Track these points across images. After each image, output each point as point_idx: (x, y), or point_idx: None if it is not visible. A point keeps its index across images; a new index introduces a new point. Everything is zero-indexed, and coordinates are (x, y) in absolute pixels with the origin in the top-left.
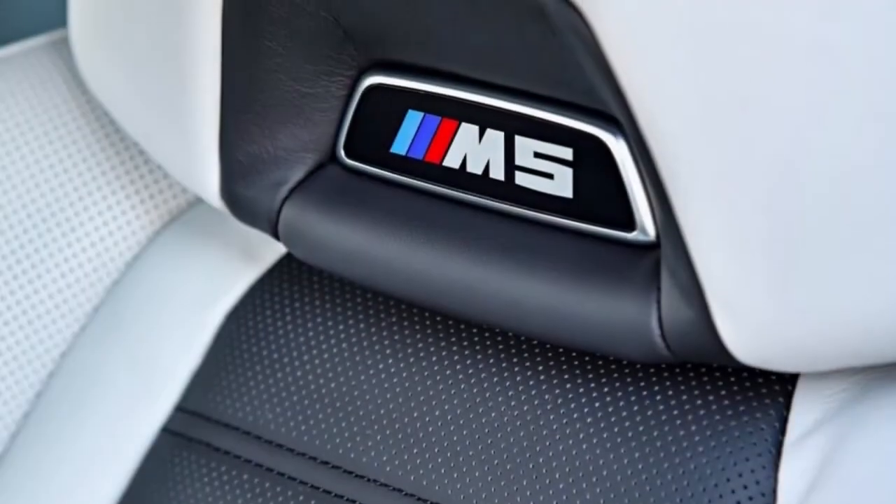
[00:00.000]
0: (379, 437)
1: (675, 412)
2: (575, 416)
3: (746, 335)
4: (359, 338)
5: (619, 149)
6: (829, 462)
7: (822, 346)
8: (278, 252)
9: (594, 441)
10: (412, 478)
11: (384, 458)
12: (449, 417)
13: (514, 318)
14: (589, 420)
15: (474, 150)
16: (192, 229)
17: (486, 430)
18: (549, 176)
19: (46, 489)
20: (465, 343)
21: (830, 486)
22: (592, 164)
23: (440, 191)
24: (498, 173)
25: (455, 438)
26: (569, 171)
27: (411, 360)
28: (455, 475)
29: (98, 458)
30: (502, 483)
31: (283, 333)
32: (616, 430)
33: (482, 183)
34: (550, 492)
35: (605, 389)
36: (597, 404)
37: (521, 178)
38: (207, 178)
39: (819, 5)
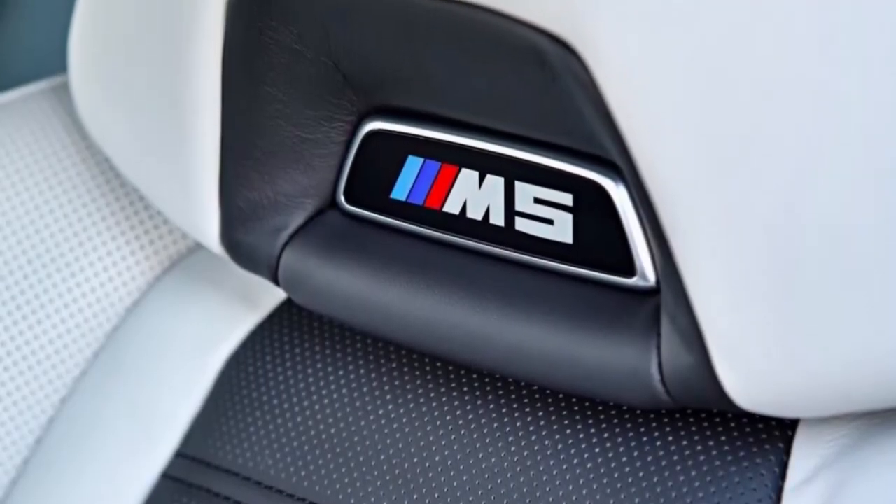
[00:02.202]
0: (379, 483)
1: (675, 458)
2: (575, 461)
3: (747, 381)
4: (359, 383)
5: (619, 194)
6: None
7: (823, 392)
8: (278, 297)
9: (594, 487)
10: None
11: None
12: (449, 463)
13: (513, 363)
14: (589, 466)
15: (474, 195)
16: (192, 275)
17: (486, 476)
18: (549, 221)
19: None
20: (465, 389)
21: None
22: (592, 209)
23: (440, 236)
24: (498, 219)
25: (455, 484)
26: (569, 217)
27: (411, 405)
28: None
29: None
30: None
31: (283, 379)
32: (616, 475)
33: (482, 228)
34: None
35: (605, 435)
36: (597, 450)
37: (521, 224)
38: (207, 224)
39: (820, 51)
